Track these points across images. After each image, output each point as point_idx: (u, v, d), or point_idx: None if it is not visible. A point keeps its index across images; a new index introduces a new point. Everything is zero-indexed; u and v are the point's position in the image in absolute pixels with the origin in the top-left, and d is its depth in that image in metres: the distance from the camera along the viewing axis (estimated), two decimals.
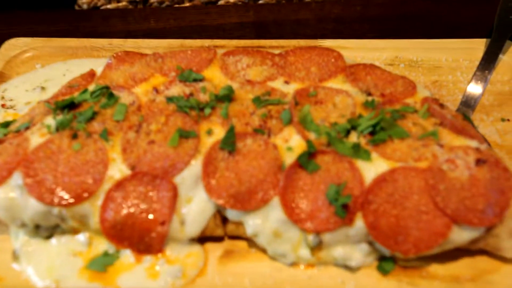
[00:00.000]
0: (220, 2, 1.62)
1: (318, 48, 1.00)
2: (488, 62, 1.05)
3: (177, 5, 1.57)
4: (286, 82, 0.92)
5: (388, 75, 0.94)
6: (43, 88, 1.09)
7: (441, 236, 0.72)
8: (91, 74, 0.98)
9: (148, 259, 0.78)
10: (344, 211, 0.74)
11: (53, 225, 0.79)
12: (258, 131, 0.82)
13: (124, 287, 0.75)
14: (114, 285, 0.75)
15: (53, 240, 0.81)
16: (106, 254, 0.79)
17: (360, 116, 0.84)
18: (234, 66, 0.95)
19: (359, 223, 0.74)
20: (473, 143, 0.79)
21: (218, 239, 0.83)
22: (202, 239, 0.82)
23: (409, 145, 0.79)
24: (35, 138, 0.82)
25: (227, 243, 0.83)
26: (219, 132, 0.82)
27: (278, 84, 0.92)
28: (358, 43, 1.19)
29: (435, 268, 0.78)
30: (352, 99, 0.86)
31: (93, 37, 1.24)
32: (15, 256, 0.79)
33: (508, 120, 1.00)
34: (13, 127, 0.88)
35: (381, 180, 0.76)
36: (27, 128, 0.85)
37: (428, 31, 1.25)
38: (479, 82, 1.03)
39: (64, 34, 1.25)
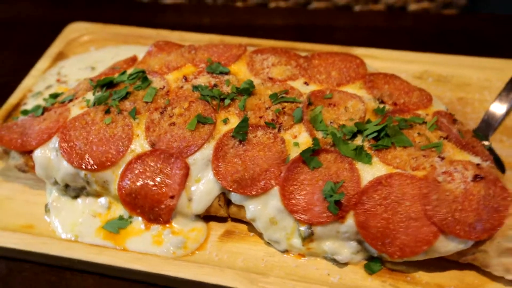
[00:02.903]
0: (271, 5, 1.69)
1: (342, 54, 1.04)
2: None
3: (230, 3, 1.67)
4: (306, 83, 0.97)
5: (406, 86, 0.97)
6: (93, 68, 1.22)
7: (427, 243, 0.75)
8: (133, 59, 1.09)
9: (155, 227, 0.87)
10: (337, 208, 0.78)
11: (80, 187, 0.90)
12: (269, 124, 0.88)
13: (131, 249, 0.85)
14: (123, 246, 0.85)
15: (79, 200, 0.92)
16: (121, 218, 0.88)
17: (368, 121, 0.87)
18: (260, 64, 1.02)
19: (350, 221, 0.79)
20: (476, 160, 0.81)
21: (221, 219, 0.90)
22: (207, 217, 0.90)
23: (410, 154, 0.82)
24: (75, 110, 0.94)
25: (229, 224, 0.90)
26: (234, 122, 0.89)
27: (297, 84, 0.97)
28: (389, 53, 1.22)
29: (421, 275, 0.80)
30: (364, 105, 0.90)
31: (144, 26, 1.36)
32: (47, 209, 0.91)
33: None
34: (60, 99, 1.01)
35: (376, 183, 0.79)
36: (70, 100, 0.97)
37: (464, 48, 1.24)
38: (503, 101, 1.02)
39: (119, 22, 1.38)
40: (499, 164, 0.95)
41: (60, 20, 1.37)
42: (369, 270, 0.81)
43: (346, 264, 0.82)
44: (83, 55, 1.28)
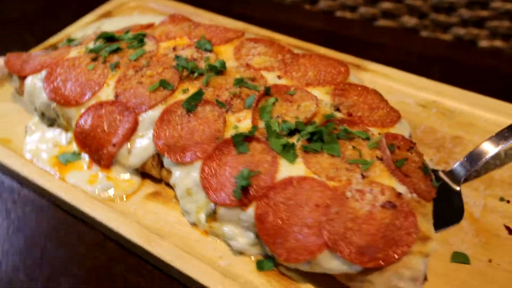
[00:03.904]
0: (337, 14, 1.67)
1: (331, 60, 1.02)
2: None
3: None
4: (279, 77, 0.97)
5: (377, 103, 0.91)
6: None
7: (310, 254, 0.71)
8: (149, 25, 1.18)
9: (95, 169, 0.94)
10: (241, 194, 0.77)
11: (52, 118, 1.02)
12: (219, 103, 0.90)
13: (68, 181, 0.93)
14: (62, 176, 0.94)
15: (51, 130, 1.03)
16: (74, 153, 0.98)
17: (312, 123, 0.84)
18: (247, 50, 1.04)
19: (251, 211, 0.77)
20: (401, 188, 0.74)
21: (157, 181, 0.94)
22: (145, 175, 0.94)
23: (334, 163, 0.78)
24: (73, 53, 1.06)
25: (160, 187, 0.94)
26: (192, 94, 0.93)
27: (270, 75, 0.97)
28: (402, 75, 1.15)
29: None
30: (316, 107, 0.87)
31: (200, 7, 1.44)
32: (26, 129, 1.04)
33: (508, 201, 0.87)
34: (71, 43, 1.14)
35: (287, 182, 0.77)
36: (76, 45, 1.10)
37: (486, 88, 1.11)
38: (494, 144, 0.90)
39: None
40: (457, 210, 0.85)
41: None
42: (260, 266, 0.79)
43: (241, 254, 0.81)
44: (125, 17, 1.41)
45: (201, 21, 1.33)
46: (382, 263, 0.68)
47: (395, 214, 0.71)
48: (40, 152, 0.99)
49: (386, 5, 1.63)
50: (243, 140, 0.84)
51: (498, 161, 0.95)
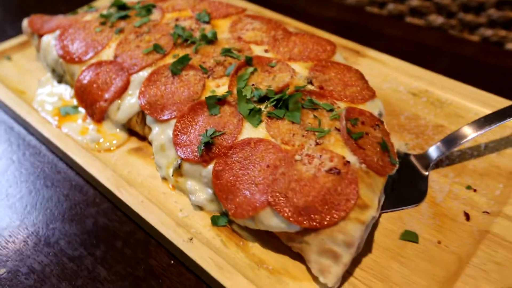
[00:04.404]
0: (366, 9, 1.68)
1: (321, 38, 1.04)
2: (495, 120, 0.88)
3: None
4: (266, 51, 1.01)
5: (353, 81, 0.92)
6: None
7: (254, 210, 0.74)
8: None
9: (88, 121, 1.03)
10: (203, 151, 0.82)
11: (61, 74, 1.12)
12: (202, 68, 0.95)
13: (63, 130, 1.02)
14: (59, 126, 1.03)
15: (60, 85, 1.13)
16: (73, 107, 1.07)
17: (282, 92, 0.87)
18: (242, 25, 1.08)
19: (210, 168, 0.82)
20: (351, 158, 0.75)
21: (142, 138, 1.01)
22: (132, 132, 1.02)
23: (291, 129, 0.80)
24: (87, 17, 1.15)
25: (143, 144, 1.00)
26: None
27: (258, 48, 1.01)
28: (398, 63, 1.14)
29: (254, 247, 0.79)
30: (290, 79, 0.90)
31: None
32: (38, 83, 1.15)
33: (475, 190, 0.85)
34: (89, 9, 1.24)
35: (246, 142, 0.81)
36: (92, 11, 1.19)
37: (486, 82, 1.08)
38: (472, 129, 0.87)
39: None
40: (420, 193, 0.85)
41: None
42: (214, 221, 0.83)
43: (201, 209, 0.86)
44: None
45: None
46: (318, 225, 0.70)
47: (338, 180, 0.72)
48: (46, 103, 1.09)
49: (415, 3, 1.61)
50: (216, 102, 0.88)
51: (476, 152, 0.92)
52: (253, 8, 1.38)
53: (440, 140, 0.90)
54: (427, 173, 0.88)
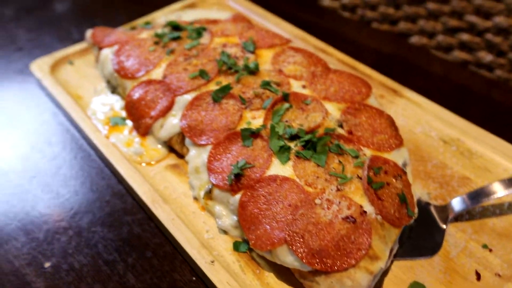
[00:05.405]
0: (414, 39, 1.69)
1: (357, 78, 1.07)
2: None
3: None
4: (303, 86, 1.06)
5: (383, 128, 0.96)
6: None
7: (272, 244, 0.80)
8: (214, 21, 1.33)
9: (134, 134, 1.12)
10: (232, 180, 0.89)
11: (114, 86, 1.22)
12: (241, 99, 1.01)
13: (110, 139, 1.12)
14: (108, 136, 1.13)
15: (112, 95, 1.23)
16: (122, 118, 1.16)
17: (313, 133, 0.92)
18: (285, 57, 1.13)
19: (238, 197, 0.88)
20: (368, 208, 0.80)
21: (180, 156, 1.09)
22: (172, 149, 1.10)
23: (316, 172, 0.86)
24: (143, 34, 1.24)
25: (180, 161, 1.08)
26: None
27: (296, 83, 1.06)
28: (433, 107, 1.16)
29: (270, 276, 0.85)
30: (322, 120, 0.94)
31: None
32: (94, 91, 1.26)
33: (490, 250, 0.87)
34: (146, 26, 1.33)
35: (272, 179, 0.87)
36: (148, 29, 1.29)
37: None
38: (504, 187, 0.89)
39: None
40: (434, 245, 0.88)
41: None
42: (235, 247, 0.90)
43: (225, 233, 0.93)
44: (204, 10, 1.58)
45: (267, 24, 1.46)
46: (328, 269, 0.75)
47: (352, 229, 0.77)
48: (98, 111, 1.19)
49: (465, 37, 1.60)
50: (249, 135, 0.95)
51: (498, 210, 0.94)
52: (299, 34, 1.43)
53: (466, 193, 0.92)
54: (445, 227, 0.90)
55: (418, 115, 1.15)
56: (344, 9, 1.82)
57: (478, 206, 0.92)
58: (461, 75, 1.41)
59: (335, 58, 1.33)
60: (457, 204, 0.91)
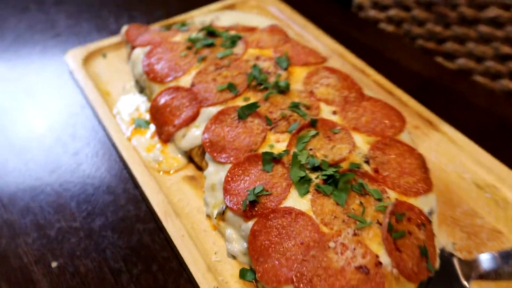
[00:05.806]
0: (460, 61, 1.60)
1: (393, 110, 1.01)
2: None
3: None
4: (334, 112, 1.01)
5: (412, 169, 0.90)
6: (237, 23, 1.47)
7: (278, 282, 0.77)
8: (251, 29, 1.29)
9: (156, 140, 1.10)
10: (247, 206, 0.86)
11: (143, 87, 1.20)
12: (268, 119, 0.98)
13: (132, 142, 1.11)
14: (130, 138, 1.11)
15: (141, 95, 1.22)
16: (146, 121, 1.15)
17: (337, 166, 0.88)
18: (317, 78, 1.08)
19: (250, 224, 0.85)
20: (384, 259, 0.75)
21: (199, 168, 1.07)
22: (191, 160, 1.08)
23: (334, 211, 0.81)
24: (177, 37, 1.22)
25: (198, 174, 1.06)
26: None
27: (327, 108, 1.01)
28: (469, 146, 1.09)
29: None
30: (348, 153, 0.90)
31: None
32: (123, 89, 1.25)
33: None
34: (181, 27, 1.31)
35: (288, 211, 0.83)
36: (183, 31, 1.26)
37: None
38: None
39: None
40: None
41: None
42: (242, 274, 0.87)
43: (234, 258, 0.90)
44: (243, 13, 1.54)
45: (306, 36, 1.41)
46: None
47: (364, 280, 0.73)
48: (124, 111, 1.18)
49: None
50: (270, 159, 0.91)
51: None
52: (338, 50, 1.37)
53: (498, 251, 0.85)
54: (467, 284, 0.84)
55: (452, 153, 1.08)
56: (389, 22, 1.74)
57: (509, 267, 0.85)
58: (507, 108, 1.32)
59: (372, 79, 1.27)
60: (486, 261, 0.85)
